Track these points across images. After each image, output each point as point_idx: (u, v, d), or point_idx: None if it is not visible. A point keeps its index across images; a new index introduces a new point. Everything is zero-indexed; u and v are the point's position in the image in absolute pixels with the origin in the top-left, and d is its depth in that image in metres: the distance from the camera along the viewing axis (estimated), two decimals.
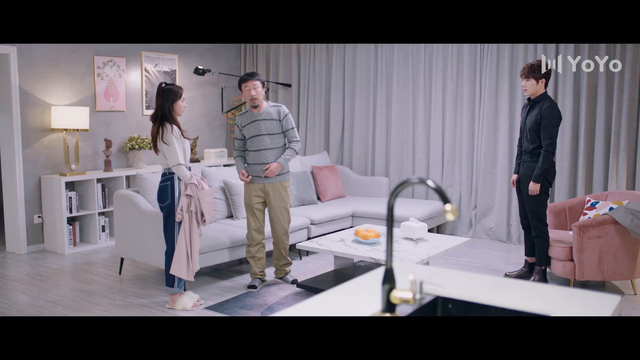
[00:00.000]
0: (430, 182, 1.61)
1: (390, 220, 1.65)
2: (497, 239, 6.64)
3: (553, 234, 5.13)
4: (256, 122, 4.81)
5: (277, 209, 4.90)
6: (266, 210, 4.98)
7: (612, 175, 5.92)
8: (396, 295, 1.66)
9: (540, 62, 4.81)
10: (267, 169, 4.78)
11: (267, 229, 5.15)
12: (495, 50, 6.49)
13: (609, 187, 5.94)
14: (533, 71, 4.78)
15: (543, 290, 1.98)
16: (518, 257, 5.96)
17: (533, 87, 4.84)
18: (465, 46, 6.69)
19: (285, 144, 4.92)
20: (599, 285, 5.00)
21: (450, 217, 1.57)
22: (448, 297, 1.90)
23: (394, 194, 1.63)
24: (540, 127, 4.78)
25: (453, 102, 6.85)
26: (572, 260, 4.68)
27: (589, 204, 5.20)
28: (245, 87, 4.76)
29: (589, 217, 4.99)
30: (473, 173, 6.83)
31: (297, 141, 4.93)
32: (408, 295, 1.65)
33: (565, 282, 5.06)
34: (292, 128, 4.90)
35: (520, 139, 5.10)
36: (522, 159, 5.00)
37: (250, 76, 4.76)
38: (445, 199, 1.57)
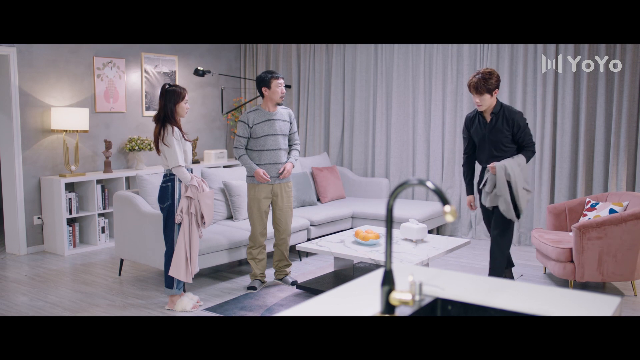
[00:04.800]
0: (429, 184, 1.60)
1: (389, 222, 1.64)
2: None
3: (553, 235, 5.12)
4: (272, 121, 4.79)
5: (285, 209, 4.89)
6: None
7: (612, 176, 5.91)
8: (395, 296, 1.65)
9: (491, 71, 4.33)
10: (283, 169, 4.79)
11: (269, 230, 5.14)
12: (495, 51, 6.48)
13: (609, 188, 5.94)
14: (486, 84, 4.28)
15: (542, 291, 1.97)
16: (518, 258, 5.95)
17: (488, 101, 4.37)
18: (465, 46, 6.69)
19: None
20: (599, 287, 5.00)
21: (449, 218, 1.56)
22: (447, 298, 1.90)
23: (394, 195, 1.62)
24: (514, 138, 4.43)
25: (453, 102, 6.85)
26: (571, 261, 4.67)
27: (589, 205, 5.19)
28: (277, 84, 4.77)
29: (589, 218, 4.98)
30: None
31: (299, 143, 5.04)
32: (407, 296, 1.64)
33: (564, 283, 5.05)
34: (297, 131, 5.02)
35: (472, 155, 4.68)
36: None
37: (278, 73, 4.84)
38: (444, 200, 1.56)
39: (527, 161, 4.46)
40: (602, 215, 4.91)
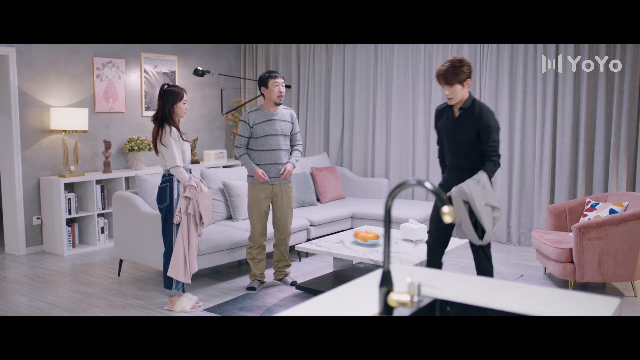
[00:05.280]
0: (428, 184, 1.59)
1: (387, 222, 1.64)
2: (497, 240, 6.62)
3: (553, 235, 5.11)
4: (272, 122, 4.78)
5: (285, 210, 4.89)
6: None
7: (612, 176, 5.90)
8: (393, 298, 1.64)
9: (462, 59, 3.76)
10: (284, 170, 4.78)
11: (269, 230, 5.13)
12: (495, 51, 6.47)
13: (609, 189, 5.93)
14: (457, 74, 3.70)
15: (542, 292, 1.96)
16: (518, 259, 5.95)
17: (459, 93, 3.78)
18: (465, 46, 6.68)
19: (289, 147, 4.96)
20: (599, 287, 4.99)
21: (447, 219, 1.55)
22: (446, 299, 1.89)
23: (392, 195, 1.61)
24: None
25: None
26: (571, 261, 4.66)
27: (589, 205, 5.19)
28: (274, 83, 4.76)
29: (589, 219, 4.98)
30: None
31: (301, 144, 5.03)
32: (405, 297, 1.63)
33: (564, 283, 5.04)
34: (299, 132, 5.01)
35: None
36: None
37: (278, 73, 4.82)
38: (442, 201, 1.56)
39: (491, 176, 3.77)
40: (602, 216, 4.90)
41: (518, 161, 6.41)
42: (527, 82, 6.33)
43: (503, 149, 6.49)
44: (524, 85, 6.34)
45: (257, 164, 4.78)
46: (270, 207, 4.96)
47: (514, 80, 6.42)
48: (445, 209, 1.55)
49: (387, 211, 1.63)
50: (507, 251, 6.28)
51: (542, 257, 5.09)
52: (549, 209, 5.45)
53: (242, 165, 4.93)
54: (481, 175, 3.73)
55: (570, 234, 5.00)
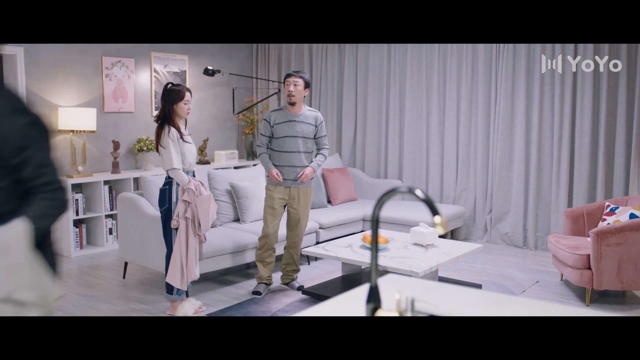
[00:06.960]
0: (418, 192, 1.45)
1: (375, 233, 1.50)
2: (513, 244, 6.43)
3: (570, 240, 4.92)
4: (292, 123, 4.68)
5: (301, 213, 4.77)
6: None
7: (633, 179, 5.68)
8: (381, 315, 1.51)
9: None
10: (302, 174, 4.66)
11: (281, 232, 5.01)
12: (512, 50, 6.28)
13: (629, 192, 5.71)
14: None
15: (550, 309, 1.81)
16: (534, 264, 5.76)
17: None
18: (480, 46, 6.50)
19: (313, 150, 4.84)
20: (619, 295, 4.78)
21: (440, 230, 1.42)
22: (443, 316, 1.74)
23: (379, 204, 1.48)
24: None
25: (468, 103, 6.66)
26: (589, 268, 4.46)
27: (608, 210, 4.99)
28: (287, 83, 4.70)
29: (608, 223, 4.78)
30: (488, 176, 6.64)
31: (327, 148, 4.89)
32: (394, 315, 1.49)
33: (582, 291, 4.84)
34: (325, 135, 4.86)
35: None
36: None
37: (296, 72, 4.73)
38: (434, 211, 1.42)
39: (45, 228, 1.90)
40: (622, 220, 4.70)
41: (535, 163, 6.22)
42: (544, 82, 6.14)
43: (520, 151, 6.30)
44: (541, 85, 6.14)
45: (274, 165, 4.68)
46: (286, 210, 4.84)
47: (530, 79, 6.23)
48: (437, 219, 1.41)
49: (375, 221, 1.49)
50: (523, 256, 6.09)
51: (558, 262, 4.90)
52: (566, 213, 5.25)
53: (260, 163, 4.87)
54: (14, 229, 1.76)
55: (588, 239, 4.80)
